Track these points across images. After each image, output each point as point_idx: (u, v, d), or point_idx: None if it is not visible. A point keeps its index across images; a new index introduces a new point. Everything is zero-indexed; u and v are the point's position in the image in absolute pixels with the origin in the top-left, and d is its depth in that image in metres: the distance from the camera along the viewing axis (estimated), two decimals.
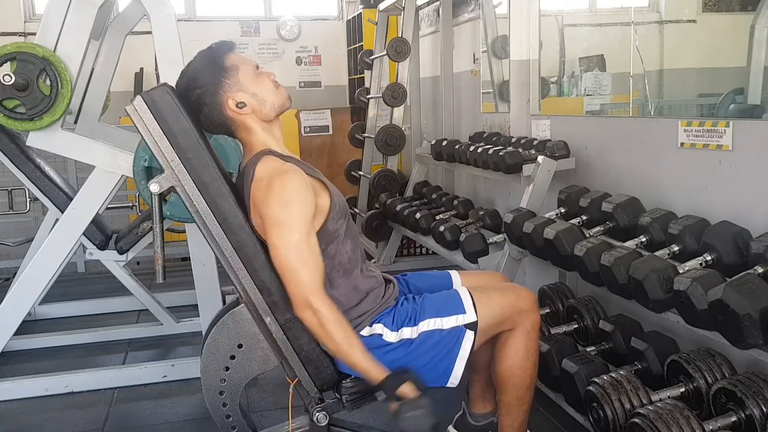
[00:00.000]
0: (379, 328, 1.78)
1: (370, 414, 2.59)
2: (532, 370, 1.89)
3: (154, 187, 1.70)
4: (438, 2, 4.70)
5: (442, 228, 3.48)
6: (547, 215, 2.75)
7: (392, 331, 1.78)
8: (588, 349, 2.48)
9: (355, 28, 6.42)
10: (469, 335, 1.78)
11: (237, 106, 1.75)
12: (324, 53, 7.06)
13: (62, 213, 3.11)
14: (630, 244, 2.29)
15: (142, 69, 6.06)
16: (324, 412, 1.80)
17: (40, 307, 3.85)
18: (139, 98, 1.66)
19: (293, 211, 1.65)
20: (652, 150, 2.63)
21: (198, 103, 1.75)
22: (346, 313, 1.77)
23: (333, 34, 7.05)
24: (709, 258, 2.02)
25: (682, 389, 2.05)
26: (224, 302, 2.36)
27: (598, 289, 2.42)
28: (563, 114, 3.91)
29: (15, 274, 4.07)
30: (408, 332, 1.78)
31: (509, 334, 1.86)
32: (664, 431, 1.78)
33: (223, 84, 1.74)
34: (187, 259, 3.41)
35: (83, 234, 3.02)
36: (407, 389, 1.66)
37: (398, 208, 4.19)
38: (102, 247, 3.41)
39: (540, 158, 2.97)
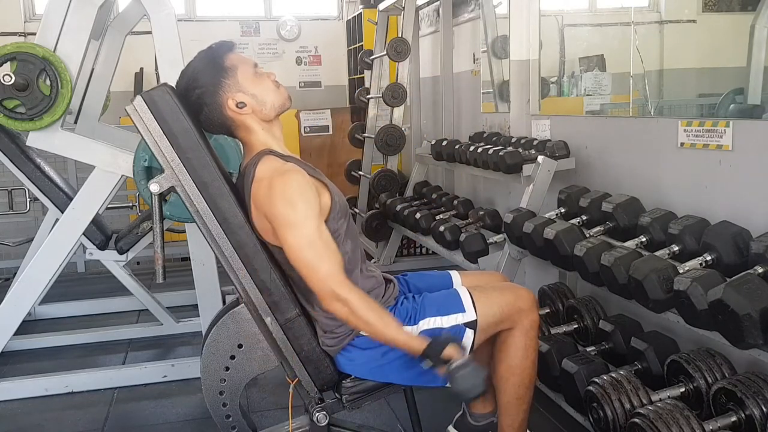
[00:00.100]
0: None
1: (370, 414, 2.59)
2: (532, 370, 1.89)
3: (154, 187, 1.70)
4: (438, 2, 4.70)
5: (442, 228, 3.48)
6: (547, 215, 2.75)
7: None
8: (588, 349, 2.48)
9: (355, 28, 6.42)
10: (469, 334, 1.78)
11: (237, 106, 1.75)
12: (324, 53, 7.06)
13: (62, 213, 3.11)
14: (630, 244, 2.29)
15: (142, 69, 6.06)
16: (324, 412, 1.80)
17: (40, 307, 3.85)
18: (139, 98, 1.66)
19: (300, 209, 1.65)
20: (652, 150, 2.63)
21: (198, 103, 1.75)
22: None
23: (333, 34, 7.05)
24: (709, 258, 2.02)
25: (682, 389, 2.05)
26: (224, 302, 2.35)
27: (598, 289, 2.42)
28: (563, 114, 3.91)
29: (15, 274, 4.07)
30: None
31: (508, 333, 1.87)
32: (664, 431, 1.79)
33: (222, 84, 1.74)
34: (187, 259, 3.41)
35: (83, 234, 3.03)
36: (451, 351, 1.66)
37: (398, 208, 4.19)
38: (102, 247, 3.41)
39: (540, 158, 2.97)
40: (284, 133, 1.88)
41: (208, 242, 1.74)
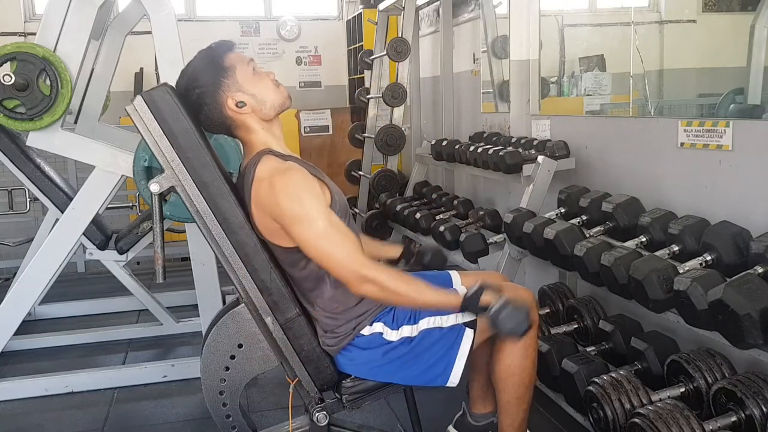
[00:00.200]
0: (379, 326, 1.78)
1: (370, 414, 2.59)
2: (531, 370, 1.89)
3: (154, 187, 1.70)
4: (438, 2, 4.70)
5: (442, 228, 3.48)
6: (547, 215, 2.75)
7: (392, 329, 1.78)
8: (588, 349, 2.48)
9: (355, 28, 6.42)
10: (469, 333, 1.78)
11: (237, 106, 1.75)
12: (324, 53, 7.06)
13: (62, 213, 3.11)
14: (630, 244, 2.29)
15: (142, 69, 6.06)
16: (324, 412, 1.80)
17: (40, 307, 3.85)
18: (139, 98, 1.66)
19: (306, 203, 1.66)
20: (652, 150, 2.63)
21: (198, 102, 1.75)
22: (345, 312, 1.77)
23: (333, 34, 7.05)
24: (709, 258, 2.02)
25: (682, 389, 2.05)
26: (224, 302, 2.35)
27: (598, 289, 2.42)
28: (563, 114, 3.91)
29: (15, 274, 4.07)
30: (408, 330, 1.78)
31: None
32: (664, 431, 1.79)
33: (222, 84, 1.74)
34: (187, 259, 3.41)
35: (83, 234, 3.03)
36: (488, 298, 1.70)
37: (398, 208, 4.18)
38: (102, 247, 3.41)
39: (540, 158, 2.97)
40: (284, 133, 1.88)
41: (208, 242, 1.74)
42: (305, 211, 1.65)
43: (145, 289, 3.66)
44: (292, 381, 1.83)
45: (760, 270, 1.85)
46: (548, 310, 2.83)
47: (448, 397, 2.15)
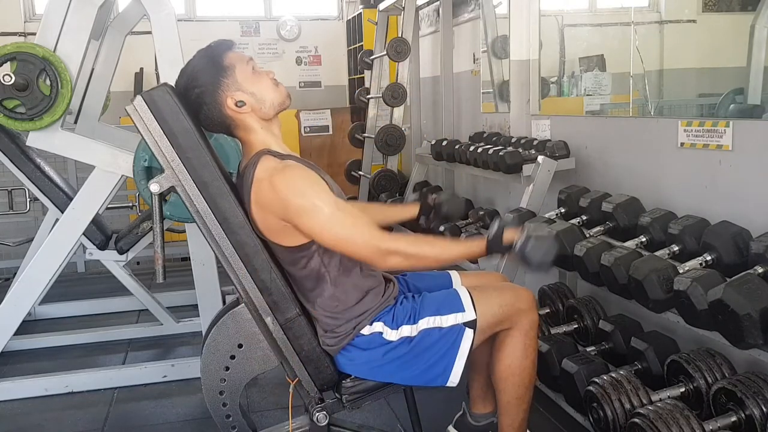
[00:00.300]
0: (379, 326, 1.78)
1: (370, 414, 2.59)
2: (531, 370, 1.89)
3: (154, 187, 1.70)
4: (438, 2, 4.70)
5: (441, 228, 3.48)
6: (547, 215, 2.75)
7: (392, 329, 1.78)
8: (588, 349, 2.48)
9: (355, 28, 6.42)
10: (469, 333, 1.78)
11: (236, 105, 1.75)
12: (324, 53, 7.06)
13: (62, 213, 3.11)
14: (630, 244, 2.29)
15: (142, 69, 6.06)
16: (324, 412, 1.80)
17: (40, 307, 3.85)
18: (139, 98, 1.66)
19: (309, 193, 1.67)
20: (652, 150, 2.63)
21: (197, 102, 1.75)
22: (346, 311, 1.77)
23: (333, 34, 7.05)
24: (709, 258, 2.02)
25: (682, 389, 2.05)
26: (224, 302, 2.35)
27: (598, 289, 2.42)
28: (563, 114, 3.91)
29: (15, 274, 4.07)
30: (408, 330, 1.78)
31: (508, 333, 1.86)
32: (664, 431, 1.79)
33: (222, 83, 1.74)
34: (187, 259, 3.41)
35: (83, 234, 3.02)
36: (511, 234, 1.72)
37: None
38: (102, 247, 3.41)
39: (540, 158, 2.97)
40: (284, 133, 1.88)
41: (208, 242, 1.74)
42: (310, 202, 1.66)
43: (145, 289, 3.66)
44: (292, 381, 1.83)
45: (760, 270, 1.85)
46: (548, 310, 2.83)
47: (448, 397, 2.15)
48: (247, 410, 2.28)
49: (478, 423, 2.14)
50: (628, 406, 2.00)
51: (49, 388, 2.94)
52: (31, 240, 4.01)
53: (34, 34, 2.83)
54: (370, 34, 5.58)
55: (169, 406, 2.84)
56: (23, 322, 2.99)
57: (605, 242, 2.32)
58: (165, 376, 3.03)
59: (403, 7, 4.61)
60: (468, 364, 1.80)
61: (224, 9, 6.95)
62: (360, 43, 6.14)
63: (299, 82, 7.01)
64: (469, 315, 1.79)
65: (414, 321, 1.79)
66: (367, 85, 5.43)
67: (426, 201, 2.15)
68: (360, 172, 4.98)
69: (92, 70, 3.57)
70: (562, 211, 2.79)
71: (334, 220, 1.66)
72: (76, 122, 3.48)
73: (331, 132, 5.96)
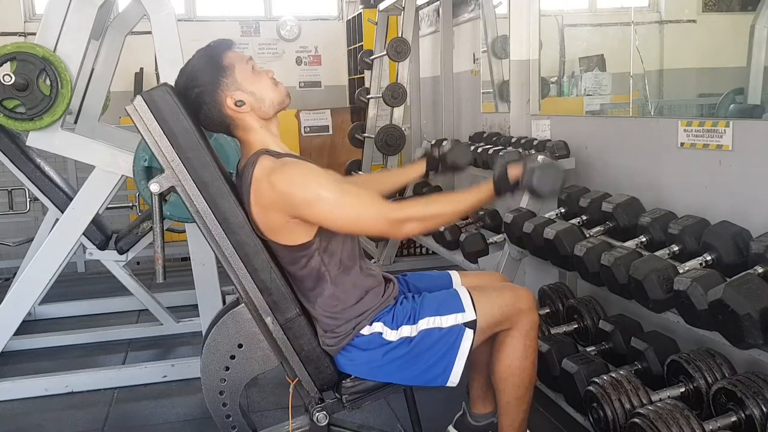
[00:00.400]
0: (379, 326, 1.78)
1: (370, 414, 2.59)
2: (531, 370, 1.89)
3: (154, 187, 1.70)
4: (438, 2, 4.70)
5: (442, 228, 3.48)
6: (547, 215, 2.75)
7: (392, 329, 1.78)
8: (588, 349, 2.48)
9: (355, 28, 6.42)
10: (468, 334, 1.78)
11: (236, 105, 1.75)
12: (324, 53, 7.07)
13: (62, 213, 3.11)
14: (630, 244, 2.29)
15: (142, 69, 6.07)
16: (324, 412, 1.80)
17: (40, 307, 3.85)
18: (139, 98, 1.66)
19: (311, 183, 1.67)
20: (652, 150, 2.63)
21: (197, 101, 1.75)
22: (345, 311, 1.77)
23: (333, 34, 7.06)
24: (709, 258, 2.02)
25: (682, 389, 2.05)
26: (224, 302, 2.36)
27: (598, 289, 2.42)
28: (563, 114, 3.91)
29: (15, 274, 4.07)
30: (407, 330, 1.78)
31: (508, 333, 1.86)
32: (664, 431, 1.78)
33: (221, 83, 1.74)
34: (187, 259, 3.41)
35: (83, 234, 3.03)
36: (515, 171, 1.75)
37: None
38: (102, 247, 3.41)
39: (540, 158, 2.96)
40: (284, 133, 1.88)
41: (208, 242, 1.74)
42: (314, 192, 1.66)
43: (145, 289, 3.66)
44: (292, 381, 1.83)
45: (760, 270, 1.85)
46: (548, 310, 2.83)
47: (448, 397, 2.15)
48: (247, 410, 2.28)
49: (478, 423, 2.14)
50: (628, 406, 2.00)
51: (49, 388, 2.94)
52: (31, 240, 4.01)
53: (34, 34, 2.83)
54: (370, 34, 5.58)
55: (169, 406, 2.84)
56: (23, 322, 3.00)
57: (605, 242, 2.32)
58: (165, 376, 3.03)
59: (403, 7, 4.61)
60: (468, 364, 1.80)
61: (224, 9, 6.96)
62: (360, 43, 6.14)
63: (299, 82, 7.02)
64: (469, 315, 1.79)
65: (414, 321, 1.79)
66: (367, 85, 5.42)
67: (432, 155, 2.15)
68: (360, 172, 4.98)
69: (92, 70, 3.57)
70: (562, 211, 2.79)
71: (341, 203, 1.67)
72: (76, 122, 3.49)
73: (331, 132, 5.96)
